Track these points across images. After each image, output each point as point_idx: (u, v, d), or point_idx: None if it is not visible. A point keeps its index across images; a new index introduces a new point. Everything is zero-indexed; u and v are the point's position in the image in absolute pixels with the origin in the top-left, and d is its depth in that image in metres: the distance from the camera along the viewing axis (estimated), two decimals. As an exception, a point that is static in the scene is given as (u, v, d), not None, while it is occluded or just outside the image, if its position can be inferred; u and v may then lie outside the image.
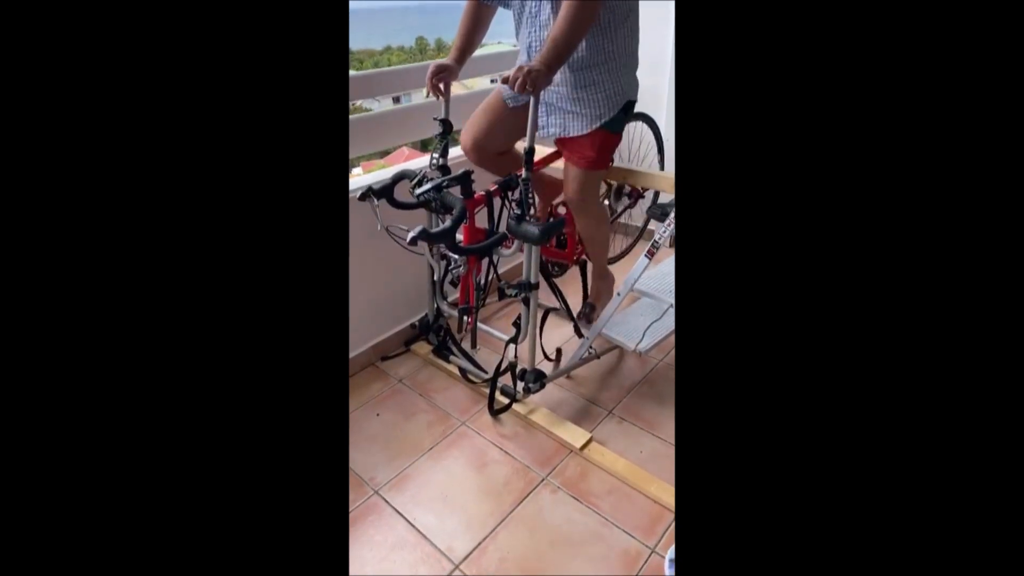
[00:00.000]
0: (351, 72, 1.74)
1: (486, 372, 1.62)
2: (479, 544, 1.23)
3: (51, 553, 0.47)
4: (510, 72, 1.21)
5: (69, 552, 0.48)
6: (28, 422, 0.47)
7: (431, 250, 1.61)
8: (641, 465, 1.38)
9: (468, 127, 1.59)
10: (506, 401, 1.55)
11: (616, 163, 1.60)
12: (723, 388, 0.53)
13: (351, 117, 1.70)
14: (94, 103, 0.48)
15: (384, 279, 1.76)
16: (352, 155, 1.73)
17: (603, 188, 1.95)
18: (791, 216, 0.50)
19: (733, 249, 0.52)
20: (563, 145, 1.50)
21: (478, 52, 1.59)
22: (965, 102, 0.46)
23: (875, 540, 0.48)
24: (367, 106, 2.37)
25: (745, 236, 0.52)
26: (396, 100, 2.28)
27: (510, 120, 1.52)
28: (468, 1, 1.49)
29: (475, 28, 1.49)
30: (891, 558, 0.48)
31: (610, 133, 1.45)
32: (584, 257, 1.77)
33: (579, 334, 1.68)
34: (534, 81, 1.20)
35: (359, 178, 1.80)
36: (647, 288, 1.46)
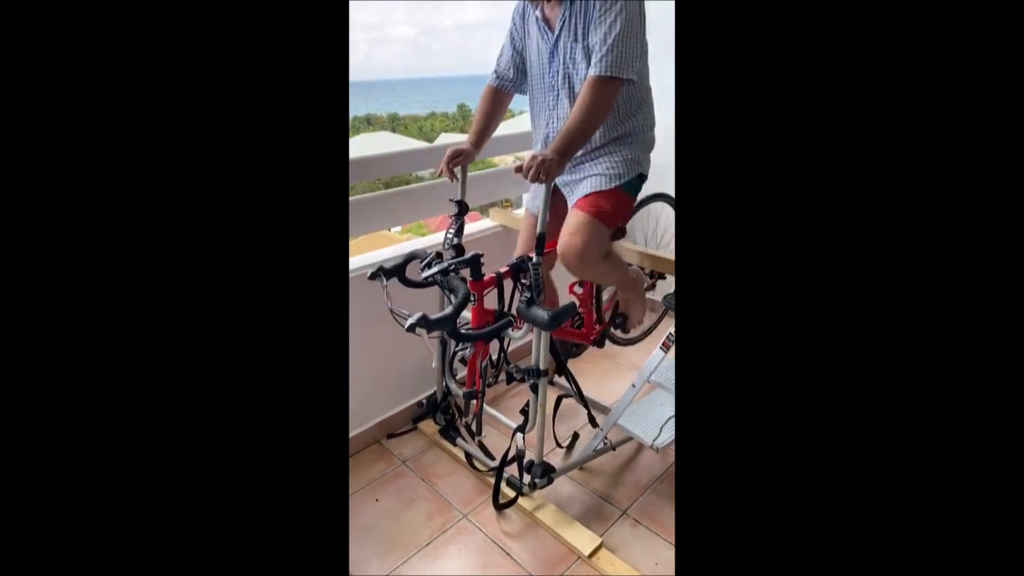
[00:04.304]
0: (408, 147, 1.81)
1: (493, 459, 1.52)
2: (469, 666, 1.10)
3: (48, 547, 0.47)
4: (524, 161, 1.20)
5: (65, 550, 0.47)
6: (29, 427, 0.46)
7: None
8: (655, 581, 1.24)
9: (519, 249, 1.55)
10: (512, 494, 1.45)
11: (633, 246, 1.55)
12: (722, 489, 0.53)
13: (396, 189, 1.79)
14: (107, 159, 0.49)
15: (394, 353, 1.72)
16: (396, 224, 1.83)
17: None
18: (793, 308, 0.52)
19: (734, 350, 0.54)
20: (575, 202, 1.42)
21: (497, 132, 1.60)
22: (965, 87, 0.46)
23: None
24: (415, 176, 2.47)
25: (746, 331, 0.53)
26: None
27: (550, 227, 1.44)
28: (486, 86, 1.52)
29: (493, 112, 1.51)
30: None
31: (626, 194, 1.41)
32: (603, 335, 1.69)
33: (593, 424, 1.58)
34: (547, 170, 1.18)
35: (414, 241, 1.89)
36: (665, 380, 1.37)
